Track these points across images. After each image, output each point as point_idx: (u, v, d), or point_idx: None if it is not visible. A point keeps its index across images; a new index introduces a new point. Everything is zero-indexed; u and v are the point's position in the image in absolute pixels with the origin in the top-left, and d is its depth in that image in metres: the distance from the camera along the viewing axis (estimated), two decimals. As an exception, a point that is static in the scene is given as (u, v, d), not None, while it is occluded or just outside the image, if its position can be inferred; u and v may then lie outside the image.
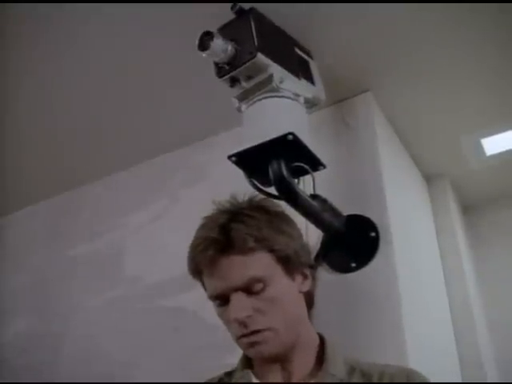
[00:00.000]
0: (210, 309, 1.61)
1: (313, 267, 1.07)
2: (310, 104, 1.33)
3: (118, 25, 1.44)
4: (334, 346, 1.04)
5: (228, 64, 1.21)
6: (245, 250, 0.94)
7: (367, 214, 1.43)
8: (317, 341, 1.04)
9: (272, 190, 1.22)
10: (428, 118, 1.81)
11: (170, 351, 1.65)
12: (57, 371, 1.87)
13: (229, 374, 1.08)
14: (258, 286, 0.95)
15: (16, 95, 1.68)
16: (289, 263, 0.99)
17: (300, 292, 1.02)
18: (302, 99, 1.25)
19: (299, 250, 1.02)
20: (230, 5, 1.26)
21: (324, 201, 1.27)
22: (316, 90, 1.35)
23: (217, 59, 1.21)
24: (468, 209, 2.50)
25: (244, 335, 0.95)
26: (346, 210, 1.37)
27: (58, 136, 1.89)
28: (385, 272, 1.39)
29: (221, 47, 1.17)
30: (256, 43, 1.17)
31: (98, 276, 1.94)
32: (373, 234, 1.41)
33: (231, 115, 1.34)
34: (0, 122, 1.81)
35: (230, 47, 1.19)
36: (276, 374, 0.99)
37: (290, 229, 1.03)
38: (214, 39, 1.16)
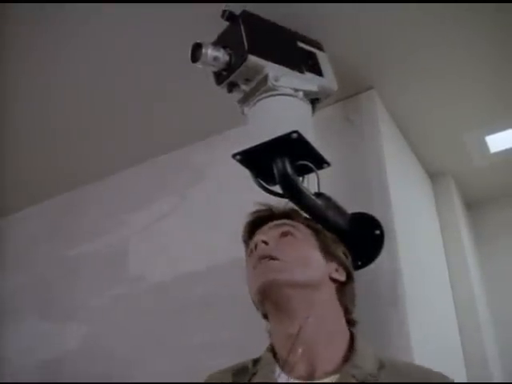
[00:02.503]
0: (213, 309, 1.63)
1: (349, 275, 1.13)
2: (323, 96, 1.32)
3: (118, 25, 1.43)
4: (363, 342, 1.03)
5: (225, 70, 1.22)
6: (286, 216, 1.14)
7: (371, 212, 1.42)
8: (347, 337, 1.04)
9: (276, 188, 1.22)
10: (432, 116, 1.80)
11: (174, 350, 1.65)
12: (59, 370, 1.88)
13: (255, 362, 1.08)
14: (288, 229, 1.09)
15: (16, 95, 1.68)
16: (324, 245, 1.11)
17: (330, 278, 1.08)
18: (300, 94, 1.25)
19: (339, 249, 1.14)
20: (230, 4, 1.26)
21: (328, 199, 1.26)
22: (325, 81, 1.33)
23: (212, 68, 1.23)
24: (472, 206, 2.50)
25: (259, 259, 1.03)
26: (350, 208, 1.36)
27: (60, 136, 1.88)
28: (389, 269, 1.39)
29: (211, 56, 1.19)
30: (246, 46, 1.18)
31: (102, 275, 1.94)
32: (377, 232, 1.40)
33: (234, 114, 1.33)
34: (1, 122, 1.80)
35: (221, 54, 1.20)
36: (300, 367, 0.99)
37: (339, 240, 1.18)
38: (203, 49, 1.18)
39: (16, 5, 1.36)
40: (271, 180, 1.23)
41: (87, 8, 1.37)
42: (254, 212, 1.17)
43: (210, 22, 1.24)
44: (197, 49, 1.19)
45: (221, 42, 1.23)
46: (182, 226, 1.82)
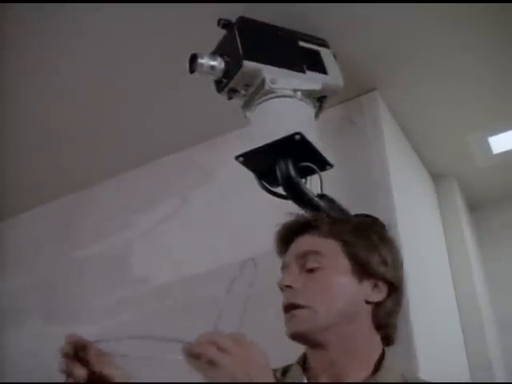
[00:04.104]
0: (216, 311, 1.62)
1: (391, 286, 1.00)
2: (329, 93, 1.32)
3: (118, 25, 1.43)
4: (393, 360, 0.99)
5: (224, 78, 1.23)
6: (318, 233, 1.02)
7: (374, 213, 1.41)
8: (376, 354, 0.99)
9: (279, 189, 1.22)
10: (435, 117, 1.80)
11: (177, 352, 1.64)
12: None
13: (284, 372, 1.05)
14: (313, 263, 0.98)
15: (15, 95, 1.67)
16: (357, 262, 0.99)
17: (367, 302, 0.98)
18: (299, 94, 1.25)
19: (375, 259, 0.99)
20: (231, 4, 1.27)
21: (331, 200, 1.26)
22: (329, 79, 1.33)
23: (211, 77, 1.23)
24: (475, 207, 2.49)
25: (286, 309, 0.97)
26: (353, 210, 1.35)
27: (62, 137, 1.88)
28: (393, 271, 1.38)
29: (208, 65, 1.20)
30: (241, 52, 1.19)
31: (106, 277, 1.94)
32: (381, 234, 1.39)
33: (237, 116, 1.33)
34: (3, 123, 1.79)
35: (218, 63, 1.21)
36: (326, 380, 0.96)
37: (376, 239, 1.02)
38: (198, 60, 1.19)
39: (16, 5, 1.35)
40: (274, 181, 1.22)
41: (87, 8, 1.36)
42: (283, 225, 1.08)
43: (211, 22, 1.24)
44: (193, 59, 1.19)
45: (219, 51, 1.24)
46: (186, 227, 1.82)
